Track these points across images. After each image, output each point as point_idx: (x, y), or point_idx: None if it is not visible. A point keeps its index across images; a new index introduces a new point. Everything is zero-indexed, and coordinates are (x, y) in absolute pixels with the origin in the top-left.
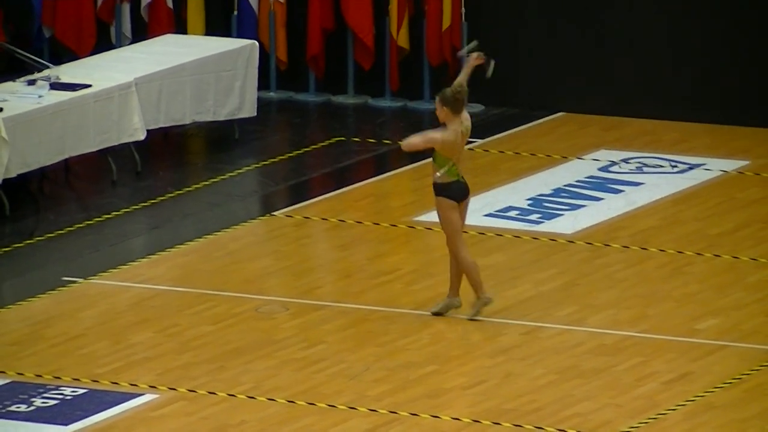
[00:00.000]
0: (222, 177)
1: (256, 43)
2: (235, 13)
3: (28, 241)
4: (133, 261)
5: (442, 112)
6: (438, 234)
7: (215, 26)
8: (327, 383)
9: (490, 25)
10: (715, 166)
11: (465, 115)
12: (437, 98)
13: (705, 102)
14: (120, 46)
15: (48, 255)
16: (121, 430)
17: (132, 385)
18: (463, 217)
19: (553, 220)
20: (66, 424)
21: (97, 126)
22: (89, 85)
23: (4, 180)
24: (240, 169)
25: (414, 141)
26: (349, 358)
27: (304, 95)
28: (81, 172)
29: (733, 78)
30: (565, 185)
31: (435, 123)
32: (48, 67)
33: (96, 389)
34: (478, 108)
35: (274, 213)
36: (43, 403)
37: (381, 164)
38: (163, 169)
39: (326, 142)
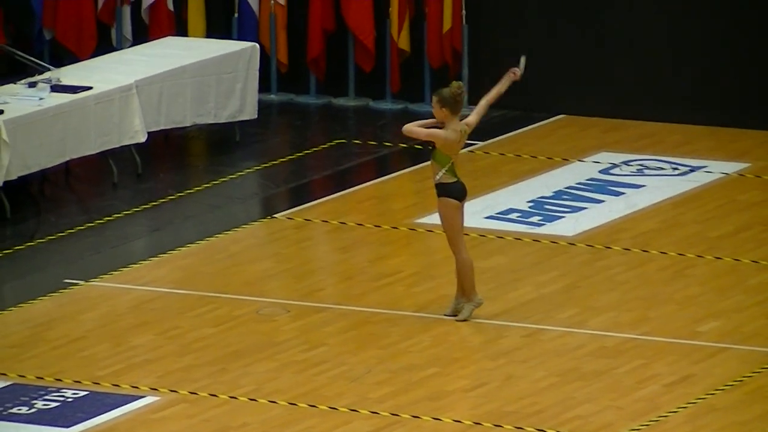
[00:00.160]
0: (223, 179)
1: (257, 46)
2: (236, 15)
3: (29, 244)
4: (134, 263)
5: (441, 113)
6: (439, 236)
7: (216, 28)
8: (328, 385)
9: (491, 26)
10: (716, 169)
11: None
12: (434, 98)
13: (705, 103)
14: (121, 48)
15: (49, 257)
16: None
17: (133, 387)
18: (461, 217)
19: (554, 222)
20: (67, 427)
21: (97, 128)
22: (90, 88)
23: (5, 182)
24: (241, 171)
25: (416, 130)
26: (351, 361)
27: (304, 97)
28: (82, 174)
29: (733, 79)
30: (566, 187)
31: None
32: (49, 69)
33: (97, 391)
34: None
35: (275, 215)
36: (45, 405)
37: (382, 166)
38: (164, 172)
39: (327, 145)
